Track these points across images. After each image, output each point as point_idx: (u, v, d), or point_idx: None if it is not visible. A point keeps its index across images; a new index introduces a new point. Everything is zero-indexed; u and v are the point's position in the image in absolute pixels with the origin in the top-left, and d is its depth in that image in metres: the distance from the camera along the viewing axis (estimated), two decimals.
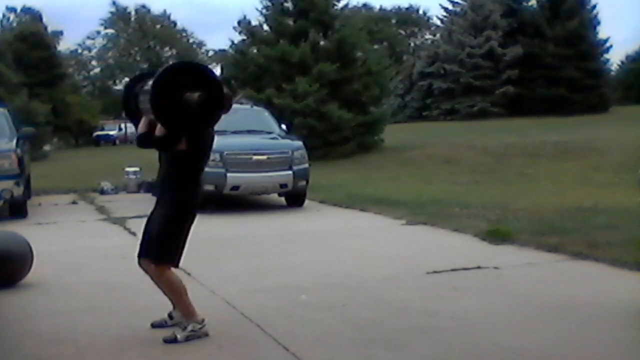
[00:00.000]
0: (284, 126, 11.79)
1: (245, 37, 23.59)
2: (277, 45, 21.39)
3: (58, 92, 36.38)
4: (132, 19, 61.43)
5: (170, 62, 4.72)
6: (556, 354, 3.79)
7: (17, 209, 9.78)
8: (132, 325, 4.38)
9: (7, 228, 7.16)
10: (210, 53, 58.63)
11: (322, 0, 22.22)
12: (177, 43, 61.20)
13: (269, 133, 11.18)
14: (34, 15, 53.33)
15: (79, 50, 60.93)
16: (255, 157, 10.11)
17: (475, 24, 38.44)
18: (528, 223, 7.95)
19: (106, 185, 13.71)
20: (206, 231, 7.72)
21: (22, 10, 56.86)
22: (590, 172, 15.12)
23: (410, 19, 67.74)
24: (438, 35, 47.01)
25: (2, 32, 48.16)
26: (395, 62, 35.82)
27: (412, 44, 66.03)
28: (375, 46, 43.35)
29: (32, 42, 36.76)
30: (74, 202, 11.99)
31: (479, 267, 5.90)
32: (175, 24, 63.01)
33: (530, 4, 40.58)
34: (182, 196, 4.08)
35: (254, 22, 23.43)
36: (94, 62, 62.30)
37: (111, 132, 43.09)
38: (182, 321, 4.10)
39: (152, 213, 4.20)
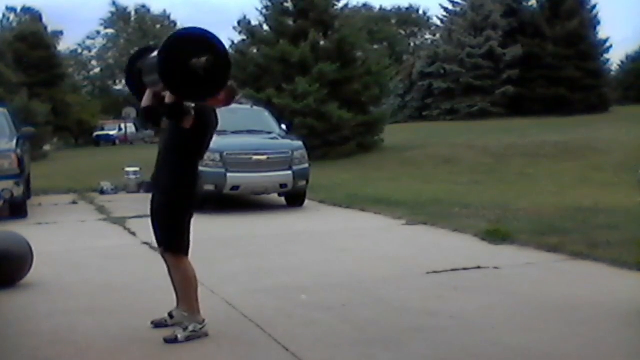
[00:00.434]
0: (284, 126, 11.78)
1: (245, 37, 23.60)
2: (277, 45, 21.39)
3: (58, 92, 36.41)
4: (132, 19, 61.46)
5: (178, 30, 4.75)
6: (556, 354, 3.79)
7: (17, 209, 9.77)
8: (132, 325, 4.38)
9: (7, 228, 7.16)
10: None
11: (322, 0, 22.23)
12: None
13: (269, 133, 11.18)
14: (34, 15, 53.38)
15: (79, 50, 60.97)
16: (255, 157, 10.11)
17: (475, 24, 38.44)
18: (528, 223, 7.94)
19: (106, 185, 13.71)
20: (206, 231, 7.73)
21: (22, 10, 56.94)
22: (590, 172, 15.12)
23: (410, 19, 67.76)
24: (438, 35, 47.04)
25: (2, 32, 48.20)
26: (395, 62, 35.82)
27: (412, 44, 66.05)
28: (375, 46, 43.40)
29: (32, 42, 36.80)
30: (74, 202, 11.99)
31: (479, 267, 5.90)
32: (175, 24, 62.95)
33: (530, 4, 40.62)
34: (183, 181, 4.09)
35: (254, 22, 23.47)
36: (94, 62, 62.32)
37: (111, 132, 43.09)
38: (183, 321, 4.10)
39: (152, 202, 4.21)
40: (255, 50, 22.93)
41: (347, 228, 8.67)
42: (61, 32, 56.30)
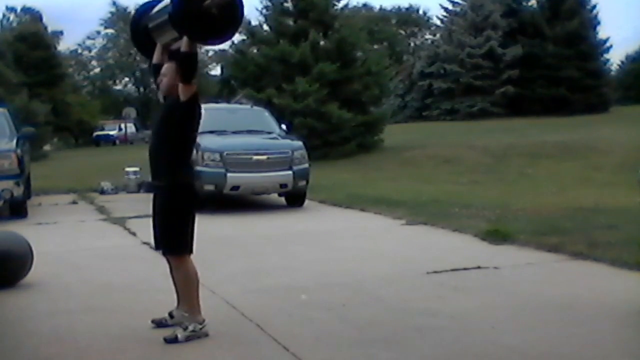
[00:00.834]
0: (284, 126, 11.78)
1: (245, 37, 23.59)
2: (277, 45, 21.40)
3: (58, 92, 36.41)
4: None
5: None
6: (556, 354, 3.79)
7: (17, 209, 9.77)
8: (132, 325, 4.38)
9: (7, 228, 7.16)
10: (210, 53, 58.66)
11: (322, 0, 22.22)
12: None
13: (269, 133, 11.18)
14: (34, 15, 53.36)
15: (79, 50, 60.92)
16: (255, 157, 10.11)
17: (475, 24, 38.45)
18: (528, 223, 7.94)
19: (106, 185, 13.71)
20: (206, 231, 7.70)
21: (22, 10, 56.94)
22: (590, 172, 15.12)
23: (410, 19, 67.76)
24: (438, 35, 47.02)
25: (2, 32, 48.19)
26: (395, 62, 35.86)
27: (412, 44, 66.06)
28: (375, 46, 43.41)
29: (32, 42, 36.80)
30: (74, 202, 11.98)
31: (479, 267, 5.90)
32: None
33: (530, 4, 40.65)
34: (180, 178, 4.09)
35: (254, 22, 23.46)
36: (94, 62, 62.29)
37: (111, 132, 43.10)
38: (183, 321, 4.10)
39: (154, 203, 4.22)
40: (255, 50, 22.93)
41: (347, 228, 8.67)
42: (61, 32, 56.32)
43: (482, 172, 16.23)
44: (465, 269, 5.86)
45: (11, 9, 57.64)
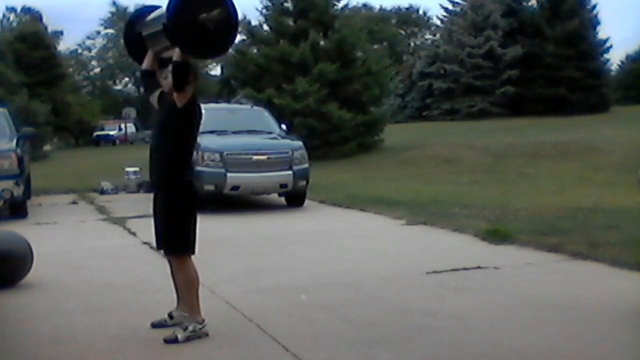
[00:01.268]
0: (284, 126, 11.78)
1: (245, 37, 23.59)
2: (277, 45, 21.40)
3: (58, 92, 36.41)
4: None
5: None
6: (556, 354, 3.79)
7: (17, 209, 9.77)
8: (132, 325, 4.38)
9: (7, 228, 7.16)
10: None
11: (322, 0, 22.23)
12: None
13: (269, 133, 11.18)
14: (34, 15, 53.39)
15: (79, 50, 60.96)
16: (255, 157, 10.11)
17: (475, 24, 38.45)
18: (528, 223, 7.94)
19: (106, 185, 13.71)
20: (206, 231, 7.70)
21: (22, 10, 56.98)
22: (590, 172, 15.12)
23: (410, 19, 67.77)
24: (438, 35, 47.04)
25: (2, 32, 48.21)
26: (395, 62, 35.85)
27: (412, 44, 66.07)
28: (375, 46, 43.42)
29: (32, 42, 36.79)
30: (74, 202, 11.98)
31: (479, 267, 5.90)
32: None
33: (530, 4, 40.65)
34: (180, 179, 4.08)
35: (254, 22, 23.48)
36: (94, 62, 62.30)
37: (111, 132, 43.10)
38: (183, 321, 4.10)
39: (154, 203, 4.21)
40: (255, 50, 22.93)
41: (347, 228, 8.67)
42: (61, 32, 56.42)
43: (482, 172, 16.23)
44: (465, 269, 5.86)
45: (11, 9, 57.71)
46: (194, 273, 4.14)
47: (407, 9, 68.36)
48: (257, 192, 10.89)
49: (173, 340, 3.99)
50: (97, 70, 61.66)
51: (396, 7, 68.54)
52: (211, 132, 9.90)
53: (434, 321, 4.37)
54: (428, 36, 62.64)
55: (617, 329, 4.20)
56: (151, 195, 4.33)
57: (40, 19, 51.75)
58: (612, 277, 5.57)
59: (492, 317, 4.46)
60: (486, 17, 38.30)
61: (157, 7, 4.18)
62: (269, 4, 23.02)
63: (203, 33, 3.83)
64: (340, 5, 23.40)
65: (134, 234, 8.14)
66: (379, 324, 4.34)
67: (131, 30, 4.42)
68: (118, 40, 60.70)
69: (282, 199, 10.98)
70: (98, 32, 61.04)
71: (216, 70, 43.25)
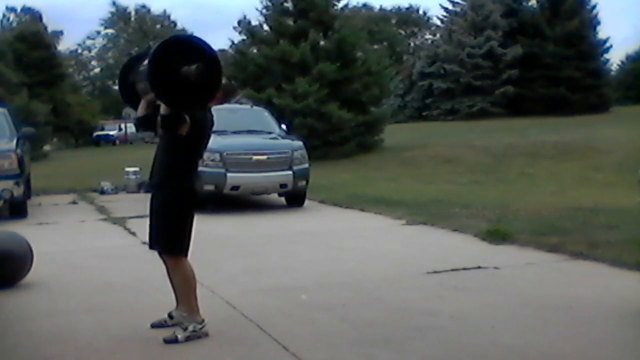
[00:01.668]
0: (284, 126, 11.78)
1: (245, 37, 23.61)
2: (277, 45, 21.41)
3: (58, 92, 36.39)
4: (132, 19, 61.52)
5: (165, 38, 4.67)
6: (556, 354, 3.79)
7: (17, 209, 9.77)
8: (132, 325, 4.38)
9: (7, 228, 7.16)
10: None
11: (322, 0, 22.23)
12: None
13: (269, 133, 11.18)
14: (34, 15, 53.43)
15: (79, 50, 61.08)
16: (255, 157, 10.11)
17: (475, 24, 38.45)
18: (528, 223, 7.94)
19: (106, 185, 13.71)
20: (206, 231, 7.72)
21: (22, 10, 57.06)
22: (590, 172, 15.12)
23: (410, 19, 67.79)
24: (438, 35, 47.07)
25: (2, 32, 48.24)
26: (395, 62, 35.84)
27: (412, 44, 66.08)
28: (375, 46, 43.41)
29: (32, 42, 36.78)
30: (74, 202, 11.98)
31: (479, 267, 5.90)
32: (175, 24, 63.09)
33: (530, 4, 40.62)
34: (181, 181, 4.07)
35: (254, 22, 23.49)
36: (94, 62, 62.38)
37: (111, 132, 43.11)
38: (183, 321, 4.10)
39: (151, 202, 4.20)
40: (255, 50, 22.94)
41: (347, 228, 8.67)
42: (61, 32, 56.46)
43: (482, 172, 16.24)
44: (465, 269, 5.86)
45: (11, 9, 57.78)
46: (190, 273, 4.14)
47: (407, 9, 68.44)
48: (257, 192, 10.89)
49: (173, 340, 3.99)
50: (97, 70, 61.74)
51: (396, 7, 68.67)
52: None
53: (434, 321, 4.37)
54: (428, 36, 62.69)
55: (617, 329, 4.20)
56: (150, 195, 4.32)
57: (40, 19, 51.79)
58: (612, 277, 5.57)
59: (492, 317, 4.46)
60: (486, 17, 38.29)
61: (147, 54, 4.14)
62: (269, 4, 23.03)
63: (185, 87, 3.81)
64: (340, 5, 23.44)
65: (134, 234, 8.14)
66: (379, 324, 4.34)
67: (125, 78, 4.40)
68: (118, 40, 60.94)
69: (282, 199, 10.98)
70: (98, 32, 61.21)
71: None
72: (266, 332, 4.18)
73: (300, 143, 10.87)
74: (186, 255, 4.14)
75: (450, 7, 42.55)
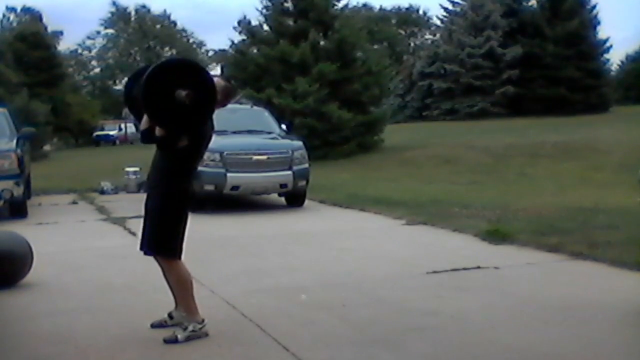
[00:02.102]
0: (284, 126, 11.78)
1: (245, 37, 23.62)
2: (277, 45, 21.41)
3: (58, 92, 36.40)
4: (132, 19, 61.50)
5: (160, 60, 4.67)
6: (556, 354, 3.79)
7: (17, 209, 9.77)
8: (132, 325, 4.38)
9: (7, 228, 7.15)
10: (210, 53, 58.77)
11: (322, 0, 22.23)
12: (177, 43, 61.27)
13: (269, 133, 11.18)
14: (34, 15, 53.43)
15: (79, 50, 61.01)
16: (255, 157, 10.11)
17: (475, 24, 38.46)
18: (528, 223, 7.94)
19: (106, 185, 13.71)
20: (206, 231, 7.74)
21: (22, 10, 57.03)
22: (590, 172, 15.13)
23: (410, 19, 67.80)
24: (438, 35, 47.07)
25: (2, 32, 48.27)
26: (395, 62, 35.90)
27: (412, 44, 66.10)
28: (375, 46, 43.44)
29: (32, 42, 36.79)
30: (74, 202, 11.99)
31: (479, 267, 5.90)
32: (175, 24, 63.11)
33: (530, 4, 40.64)
34: (176, 185, 4.07)
35: (254, 22, 23.51)
36: (94, 62, 62.35)
37: (111, 132, 43.10)
38: (183, 321, 4.10)
39: (146, 204, 4.20)
40: (255, 50, 22.95)
41: (347, 228, 8.67)
42: (61, 32, 56.41)
43: (482, 172, 16.24)
44: (465, 269, 5.86)
45: (11, 9, 57.76)
46: (185, 274, 4.13)
47: (407, 9, 68.43)
48: (257, 192, 10.89)
49: (173, 340, 3.99)
50: (97, 70, 61.72)
51: (396, 7, 68.66)
52: None
53: (434, 321, 4.37)
54: (428, 36, 62.69)
55: (617, 329, 4.19)
56: (146, 196, 4.32)
57: (40, 19, 51.81)
58: (612, 277, 5.57)
59: (492, 317, 4.46)
60: (486, 17, 38.30)
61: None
62: (269, 4, 23.04)
63: (178, 110, 3.81)
64: (340, 5, 23.44)
65: (134, 234, 8.13)
66: (379, 324, 4.34)
67: (130, 92, 4.43)
68: (118, 40, 60.91)
69: (282, 199, 10.98)
70: (98, 32, 61.17)
71: (216, 70, 43.27)
72: (266, 332, 4.18)
73: (300, 143, 10.87)
74: (179, 257, 4.13)
75: (450, 7, 42.58)
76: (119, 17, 60.70)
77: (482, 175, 15.68)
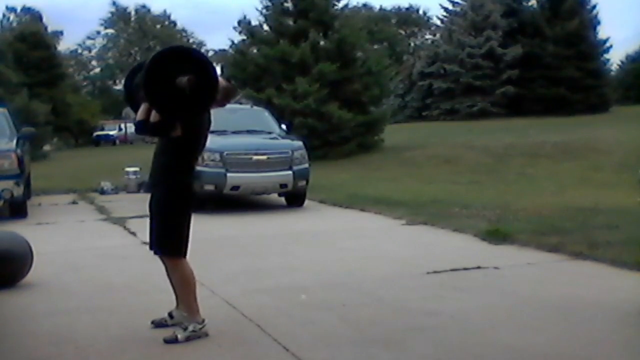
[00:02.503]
0: (284, 126, 11.79)
1: (245, 37, 23.62)
2: (277, 45, 21.41)
3: (58, 92, 36.38)
4: (132, 19, 61.52)
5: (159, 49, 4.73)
6: (556, 354, 3.79)
7: (17, 209, 9.77)
8: (132, 325, 4.38)
9: (7, 228, 7.16)
10: (210, 53, 58.66)
11: (322, 0, 22.23)
12: (177, 43, 61.22)
13: (269, 133, 11.18)
14: (34, 15, 53.47)
15: (79, 50, 61.06)
16: (255, 157, 10.11)
17: (475, 24, 38.43)
18: (528, 223, 7.94)
19: (106, 185, 13.71)
20: (206, 231, 7.73)
21: (22, 10, 57.07)
22: (590, 172, 15.12)
23: (410, 19, 67.80)
24: (438, 35, 47.05)
25: (2, 32, 48.25)
26: (395, 62, 35.85)
27: (412, 44, 66.08)
28: (375, 46, 43.43)
29: (32, 42, 36.77)
30: (74, 202, 11.99)
31: (479, 267, 5.90)
32: (175, 24, 63.15)
33: (530, 4, 40.62)
34: (178, 182, 4.07)
35: (254, 22, 23.50)
36: (94, 62, 62.38)
37: (111, 132, 43.11)
38: (183, 321, 4.10)
39: (150, 203, 4.20)
40: (255, 50, 22.94)
41: (347, 228, 8.67)
42: (61, 32, 56.45)
43: (482, 172, 16.24)
44: (465, 269, 5.86)
45: (11, 9, 57.78)
46: (189, 273, 4.14)
47: (407, 9, 68.44)
48: (257, 192, 10.89)
49: (173, 340, 3.99)
50: (97, 70, 61.73)
51: (396, 7, 68.66)
52: (211, 132, 9.82)
53: (434, 321, 4.37)
54: (428, 36, 62.68)
55: (617, 329, 4.20)
56: (149, 196, 4.32)
57: (40, 19, 51.83)
58: (612, 277, 5.57)
59: (492, 317, 4.46)
60: (486, 17, 38.28)
61: None
62: (269, 4, 23.03)
63: (180, 96, 3.84)
64: (340, 5, 23.43)
65: (134, 234, 8.15)
66: (379, 324, 4.34)
67: (131, 81, 4.47)
68: (118, 40, 60.93)
69: (282, 199, 10.98)
70: (98, 32, 61.20)
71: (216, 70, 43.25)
72: (266, 332, 4.18)
73: (300, 143, 10.87)
74: (185, 255, 4.13)
75: (450, 7, 42.55)
76: (119, 17, 60.73)
77: (482, 175, 15.68)
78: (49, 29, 49.13)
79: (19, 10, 57.20)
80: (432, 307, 4.68)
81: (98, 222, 9.45)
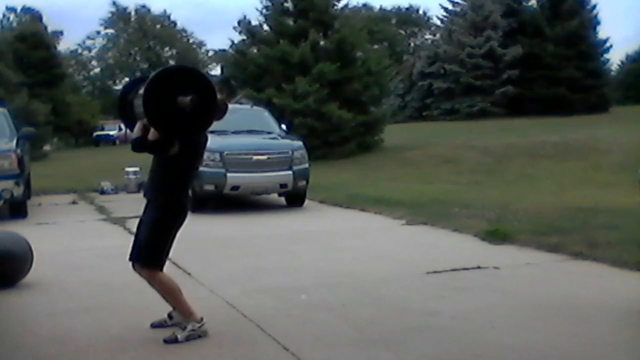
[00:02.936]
0: (284, 126, 11.78)
1: (245, 37, 23.61)
2: (277, 45, 21.41)
3: (58, 92, 36.37)
4: (132, 19, 61.48)
5: (164, 67, 4.71)
6: (556, 354, 3.79)
7: (17, 209, 9.78)
8: (132, 325, 4.38)
9: (7, 228, 7.15)
10: (210, 53, 58.75)
11: (322, 0, 22.23)
12: (177, 43, 61.29)
13: (269, 133, 11.18)
14: (34, 16, 53.41)
15: (79, 50, 61.02)
16: (255, 157, 10.11)
17: (475, 24, 38.46)
18: (528, 223, 7.94)
19: (106, 185, 13.71)
20: (206, 231, 7.73)
21: (22, 10, 57.03)
22: (590, 172, 15.12)
23: (410, 19, 67.82)
24: (438, 35, 47.08)
25: (2, 32, 48.23)
26: (395, 62, 35.88)
27: (412, 44, 66.11)
28: (375, 46, 43.38)
29: (32, 42, 36.75)
30: (74, 202, 11.99)
31: (479, 267, 5.90)
32: (175, 24, 63.09)
33: (530, 4, 40.67)
34: (171, 199, 4.07)
35: (254, 22, 23.50)
36: (94, 62, 62.35)
37: (111, 132, 43.06)
38: (182, 321, 4.10)
39: (143, 215, 4.21)
40: (255, 50, 22.93)
41: (347, 228, 8.67)
42: (61, 32, 56.45)
43: (482, 172, 16.24)
44: (465, 269, 5.86)
45: (11, 9, 57.76)
46: (168, 280, 4.14)
47: (407, 9, 68.46)
48: (257, 192, 10.89)
49: (173, 340, 3.99)
50: (97, 70, 61.72)
51: (396, 7, 68.71)
52: (211, 132, 9.82)
53: (434, 321, 4.37)
54: (428, 36, 62.72)
55: (617, 329, 4.20)
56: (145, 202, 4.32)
57: (40, 19, 51.77)
58: (612, 277, 5.57)
59: (492, 317, 4.46)
60: (486, 17, 38.30)
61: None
62: (269, 4, 23.03)
63: (179, 117, 3.84)
64: (340, 5, 23.44)
65: (134, 234, 8.13)
66: (379, 324, 4.33)
67: (125, 98, 4.45)
68: (118, 40, 60.89)
69: (282, 199, 10.98)
70: (98, 32, 61.16)
71: (216, 70, 43.29)
72: (266, 332, 4.18)
73: (300, 143, 10.87)
74: (161, 269, 4.12)
75: (450, 7, 42.58)
76: (119, 17, 60.69)
77: (482, 175, 15.68)
78: (49, 29, 49.11)
79: (19, 10, 57.24)
80: (432, 307, 4.68)
81: (98, 222, 9.45)
